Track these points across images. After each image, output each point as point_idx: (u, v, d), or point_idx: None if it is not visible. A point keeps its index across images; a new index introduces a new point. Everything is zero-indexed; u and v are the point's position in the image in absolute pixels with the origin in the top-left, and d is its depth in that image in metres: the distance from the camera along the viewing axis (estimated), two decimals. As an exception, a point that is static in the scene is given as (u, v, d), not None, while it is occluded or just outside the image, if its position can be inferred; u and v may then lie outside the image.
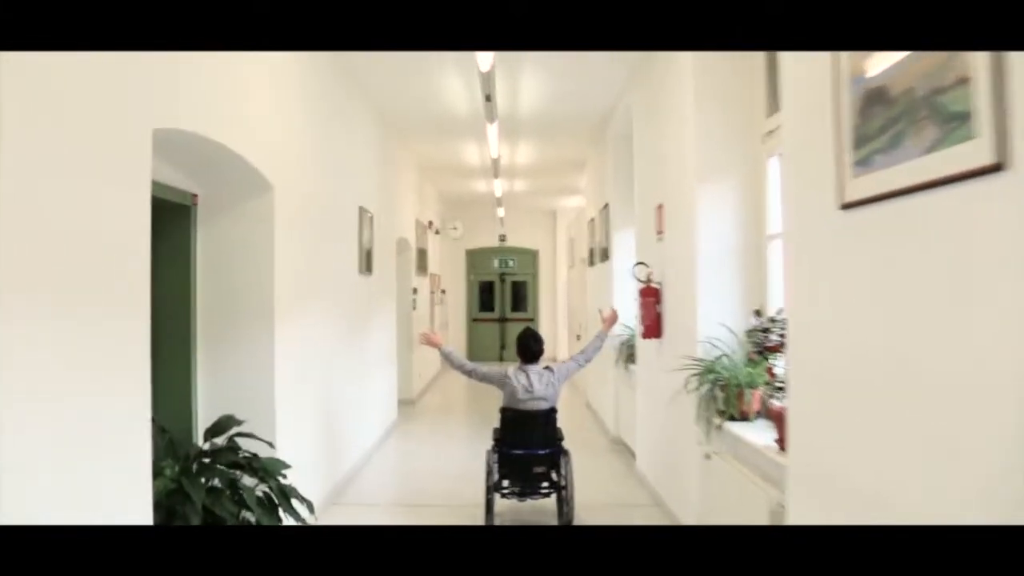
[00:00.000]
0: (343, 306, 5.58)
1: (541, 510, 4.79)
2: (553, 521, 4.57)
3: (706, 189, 4.05)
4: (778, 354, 3.08)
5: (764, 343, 3.11)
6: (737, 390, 3.69)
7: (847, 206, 2.12)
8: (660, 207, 4.91)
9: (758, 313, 3.29)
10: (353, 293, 5.92)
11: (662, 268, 4.91)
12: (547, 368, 4.56)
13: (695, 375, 3.89)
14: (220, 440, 3.12)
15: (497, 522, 4.56)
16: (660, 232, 4.93)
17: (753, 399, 3.71)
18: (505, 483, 4.54)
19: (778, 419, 3.07)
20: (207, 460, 3.05)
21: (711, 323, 4.00)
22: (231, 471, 3.02)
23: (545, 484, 4.53)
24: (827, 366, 2.31)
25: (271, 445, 3.21)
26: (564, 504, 4.53)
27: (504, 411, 4.51)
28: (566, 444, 4.63)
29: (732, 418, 3.68)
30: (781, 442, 3.02)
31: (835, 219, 2.20)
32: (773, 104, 3.76)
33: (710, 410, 3.81)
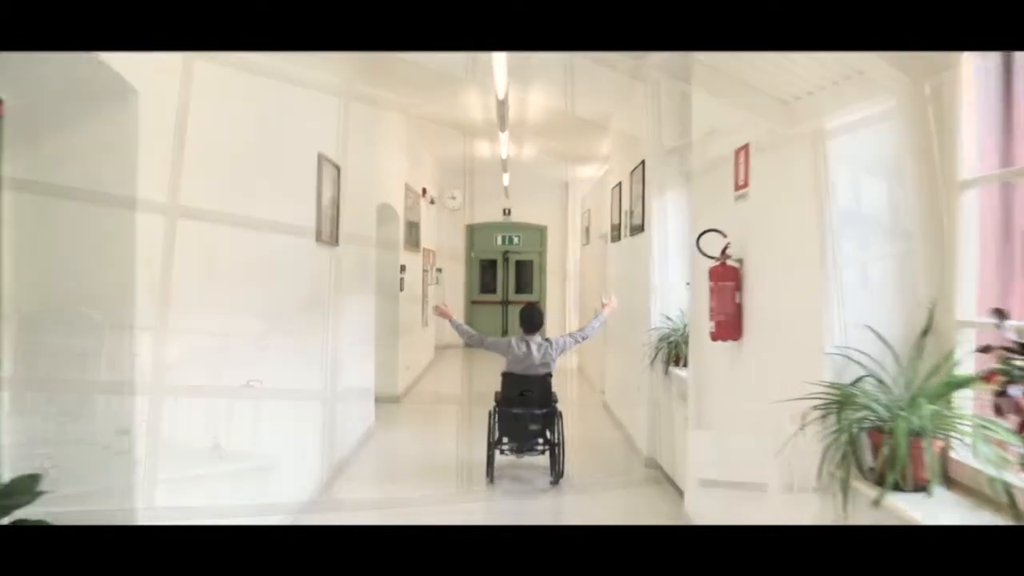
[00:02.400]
0: (288, 289, 4.01)
1: (534, 465, 5.33)
2: (546, 475, 5.07)
3: (844, 112, 2.53)
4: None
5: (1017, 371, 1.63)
6: (911, 440, 2.19)
7: None
8: (743, 151, 3.38)
9: (1000, 313, 1.78)
10: (307, 270, 4.37)
11: (744, 239, 3.39)
12: (546, 340, 5.11)
13: (820, 408, 2.43)
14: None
15: (496, 475, 5.09)
16: (742, 187, 3.40)
17: (935, 456, 2.22)
18: (504, 440, 5.07)
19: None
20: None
21: (847, 325, 2.53)
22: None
23: (540, 441, 5.06)
24: None
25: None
26: (557, 461, 5.02)
27: (505, 375, 5.07)
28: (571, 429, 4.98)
29: (897, 487, 2.20)
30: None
31: None
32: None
33: (849, 468, 2.34)
